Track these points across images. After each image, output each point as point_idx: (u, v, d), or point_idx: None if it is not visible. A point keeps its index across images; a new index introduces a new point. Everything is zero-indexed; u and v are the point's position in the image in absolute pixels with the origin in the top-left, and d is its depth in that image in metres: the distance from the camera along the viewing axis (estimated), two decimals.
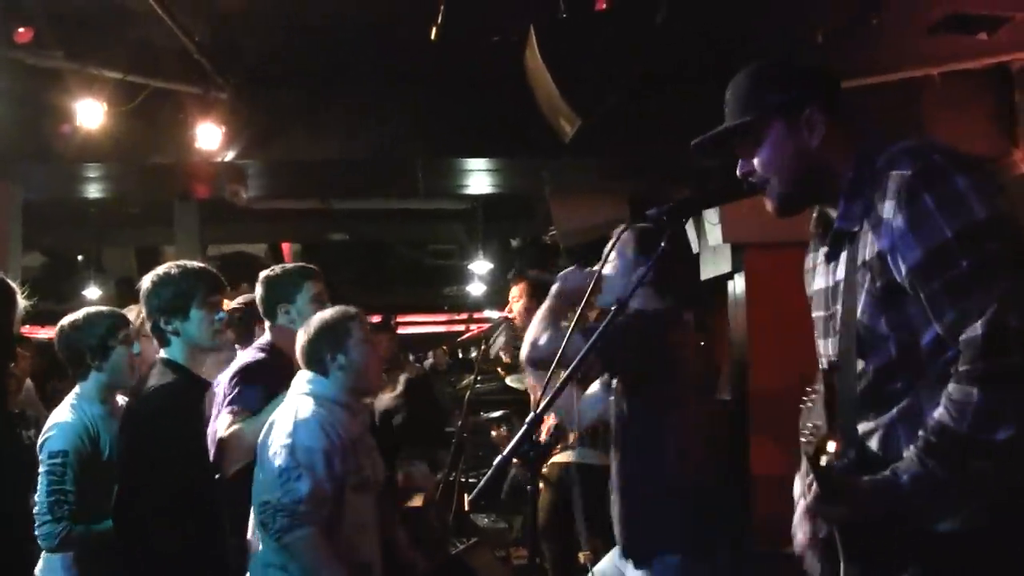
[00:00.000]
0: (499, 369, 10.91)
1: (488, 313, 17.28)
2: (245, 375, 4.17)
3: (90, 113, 6.55)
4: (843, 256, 2.38)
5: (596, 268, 3.58)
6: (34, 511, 3.84)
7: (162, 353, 3.78)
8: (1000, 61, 7.36)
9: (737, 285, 8.90)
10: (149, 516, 3.44)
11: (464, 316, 19.16)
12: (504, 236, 13.70)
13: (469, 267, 13.88)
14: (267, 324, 4.46)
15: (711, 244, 8.95)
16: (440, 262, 15.53)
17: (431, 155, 7.94)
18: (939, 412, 2.15)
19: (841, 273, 2.39)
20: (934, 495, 2.15)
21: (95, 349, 4.13)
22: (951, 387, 2.14)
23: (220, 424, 4.02)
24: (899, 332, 2.27)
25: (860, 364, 2.35)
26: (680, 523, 3.63)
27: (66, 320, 4.23)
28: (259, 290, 4.43)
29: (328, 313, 3.94)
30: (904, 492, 2.16)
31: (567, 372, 2.55)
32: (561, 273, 4.21)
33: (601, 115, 6.31)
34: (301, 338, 3.89)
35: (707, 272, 9.50)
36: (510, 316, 6.56)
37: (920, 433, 2.18)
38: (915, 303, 2.22)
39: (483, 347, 8.65)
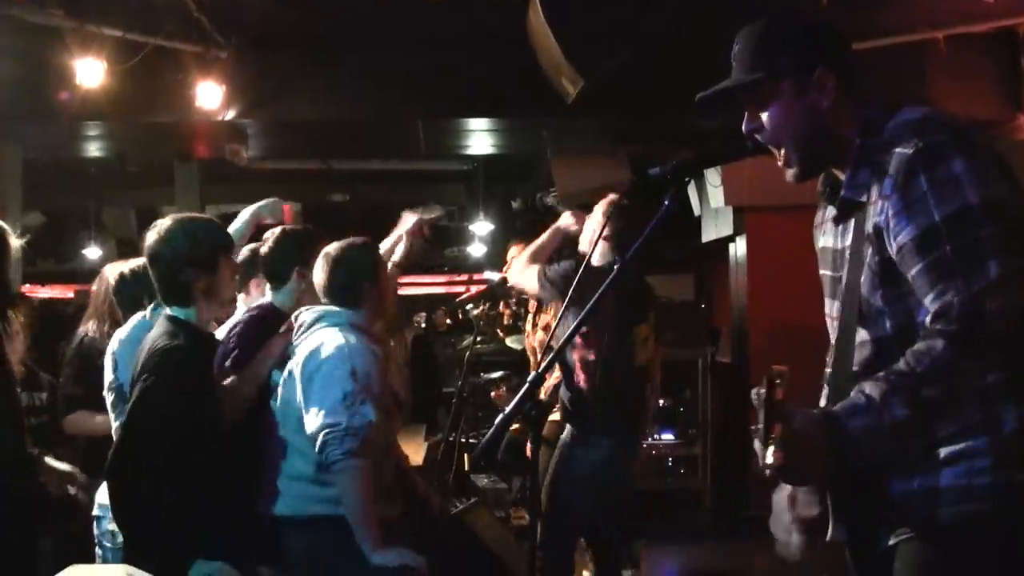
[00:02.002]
0: (499, 331, 10.94)
1: (488, 274, 17.27)
2: (245, 333, 4.07)
3: (90, 71, 6.52)
4: (852, 223, 2.37)
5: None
6: None
7: (173, 311, 3.60)
8: (1006, 25, 7.31)
9: (738, 248, 8.91)
10: (143, 467, 3.38)
11: (464, 277, 19.16)
12: (505, 197, 13.67)
13: (470, 228, 13.86)
14: (268, 287, 4.17)
15: (713, 207, 8.95)
16: (440, 223, 15.51)
17: (432, 116, 7.92)
18: (897, 364, 2.16)
19: (848, 240, 2.38)
20: (868, 424, 2.12)
21: (153, 295, 4.10)
22: (917, 344, 2.15)
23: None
24: (894, 308, 2.28)
25: (864, 334, 2.35)
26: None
27: (126, 268, 4.32)
28: (272, 250, 4.12)
29: (353, 242, 3.91)
30: (840, 418, 2.14)
31: (568, 333, 2.56)
32: (565, 213, 5.56)
33: (604, 76, 6.28)
34: (324, 271, 3.83)
35: (708, 234, 9.51)
36: (503, 279, 6.56)
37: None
38: (906, 282, 2.23)
39: (482, 308, 8.66)
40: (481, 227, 13.24)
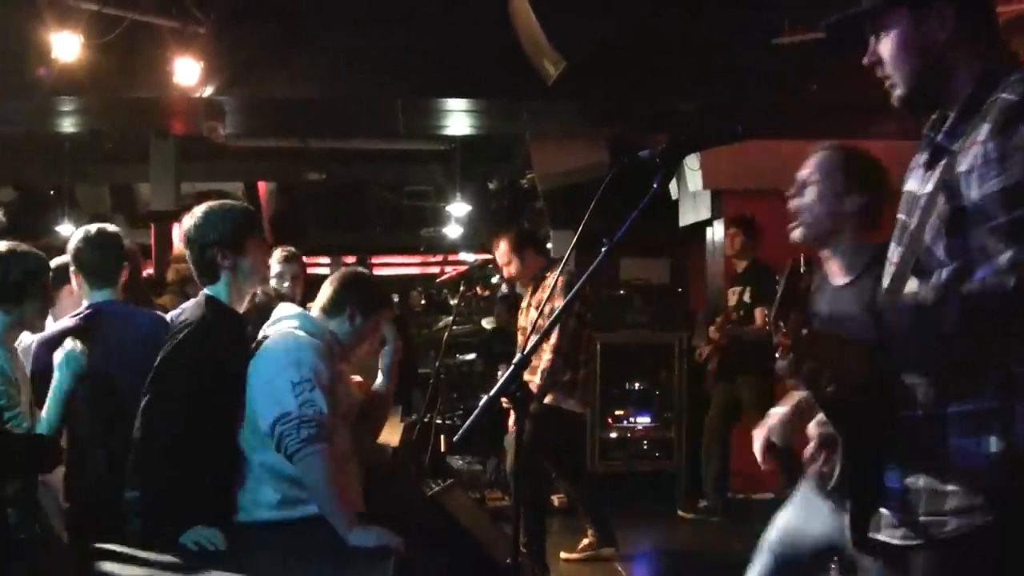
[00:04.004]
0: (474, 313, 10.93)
1: (463, 256, 17.25)
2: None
3: (66, 46, 6.44)
4: (938, 170, 2.30)
5: None
6: None
7: (207, 290, 3.78)
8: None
9: (716, 231, 8.92)
10: (166, 436, 3.52)
11: (439, 258, 19.13)
12: (482, 179, 13.66)
13: (447, 209, 13.83)
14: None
15: (691, 190, 8.96)
16: (417, 203, 15.48)
17: (412, 95, 7.88)
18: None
19: (930, 187, 2.30)
20: (915, 319, 2.09)
21: (9, 292, 3.79)
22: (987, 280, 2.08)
23: None
24: (954, 261, 2.19)
25: (915, 284, 2.28)
26: None
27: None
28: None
29: (367, 273, 4.19)
30: (885, 310, 2.12)
31: (559, 311, 2.56)
32: None
33: (585, 57, 6.27)
34: (333, 283, 4.00)
35: (686, 218, 9.52)
36: (488, 260, 6.57)
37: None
38: (976, 236, 2.15)
39: (461, 289, 8.65)
40: (458, 208, 13.21)
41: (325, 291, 3.99)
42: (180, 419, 3.52)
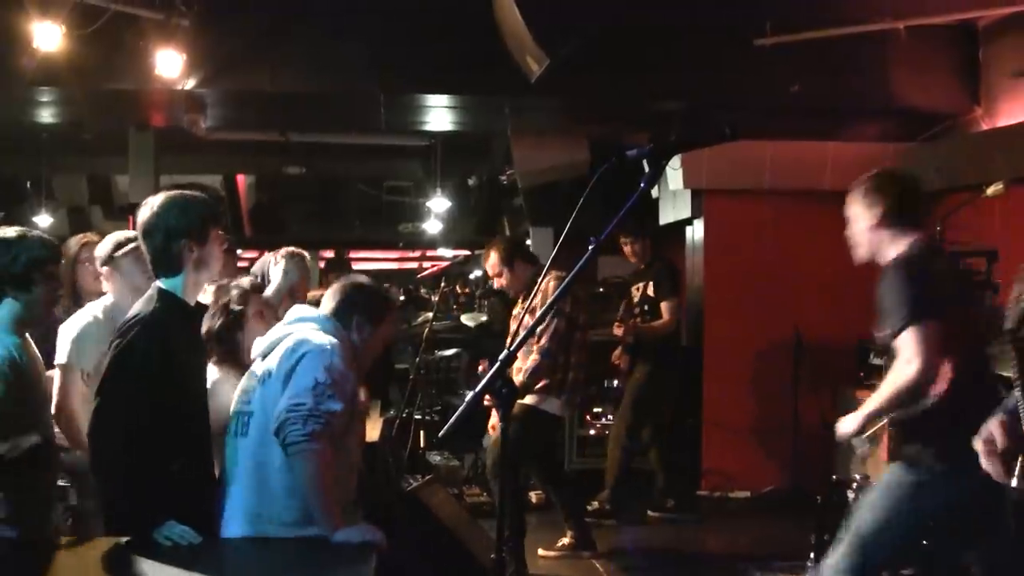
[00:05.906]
0: (454, 308, 10.96)
1: (442, 251, 17.23)
2: None
3: (47, 36, 6.39)
4: None
5: None
6: None
7: (161, 283, 3.69)
8: (965, 17, 7.40)
9: (696, 230, 8.95)
10: (119, 436, 3.48)
11: (418, 254, 19.12)
12: (462, 175, 13.65)
13: (426, 204, 13.81)
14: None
15: (671, 189, 8.98)
16: (396, 198, 15.47)
17: (393, 90, 7.87)
18: None
19: None
20: None
21: (17, 278, 3.80)
22: None
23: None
24: None
25: None
26: None
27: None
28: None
29: (368, 282, 4.11)
30: None
31: (544, 307, 2.57)
32: None
33: (568, 55, 6.29)
34: (336, 296, 3.99)
35: (666, 217, 9.54)
36: (468, 256, 6.58)
37: None
38: None
39: (441, 285, 8.66)
40: (437, 204, 13.18)
41: (328, 304, 3.97)
42: (133, 417, 3.47)
